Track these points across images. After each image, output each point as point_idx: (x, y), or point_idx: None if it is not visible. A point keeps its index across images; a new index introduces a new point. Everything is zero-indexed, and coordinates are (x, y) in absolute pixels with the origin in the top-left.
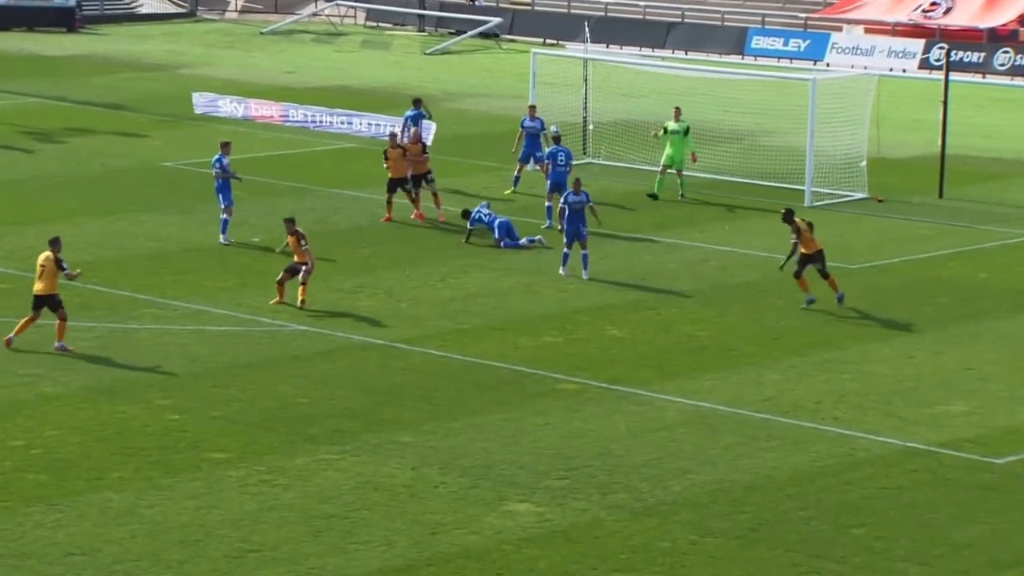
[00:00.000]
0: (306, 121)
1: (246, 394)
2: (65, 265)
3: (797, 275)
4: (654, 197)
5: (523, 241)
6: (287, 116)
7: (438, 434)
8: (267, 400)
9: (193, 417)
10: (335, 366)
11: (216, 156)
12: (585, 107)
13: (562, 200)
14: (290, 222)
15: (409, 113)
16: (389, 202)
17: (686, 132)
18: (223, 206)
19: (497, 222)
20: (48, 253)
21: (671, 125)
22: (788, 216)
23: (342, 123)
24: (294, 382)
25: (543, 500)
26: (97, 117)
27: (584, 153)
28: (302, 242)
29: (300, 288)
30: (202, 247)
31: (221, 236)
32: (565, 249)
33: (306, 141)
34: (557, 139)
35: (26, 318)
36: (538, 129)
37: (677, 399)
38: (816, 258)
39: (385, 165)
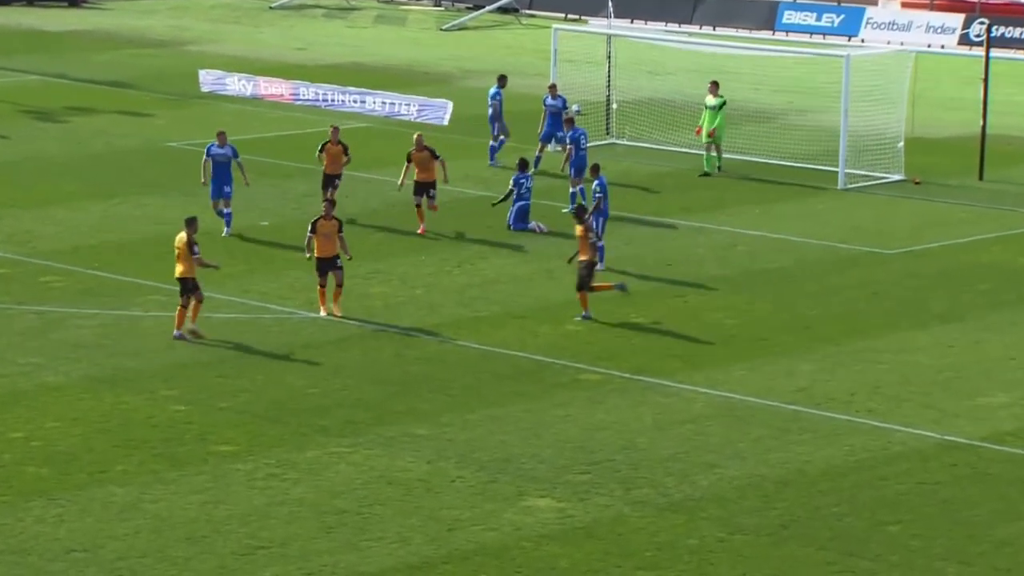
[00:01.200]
0: (317, 100)
1: (254, 384)
2: (197, 249)
3: (581, 288)
4: (707, 175)
5: (531, 225)
6: (297, 95)
7: (455, 426)
8: (276, 390)
9: (199, 408)
10: (347, 355)
11: (209, 144)
12: (608, 85)
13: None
14: (331, 204)
15: (492, 91)
16: (325, 200)
17: (721, 107)
18: (214, 198)
19: (519, 204)
20: (183, 234)
21: (709, 100)
22: (580, 213)
23: (355, 102)
24: (304, 372)
25: (564, 495)
26: (99, 95)
27: (607, 133)
28: (341, 230)
29: (337, 292)
30: (208, 231)
31: (225, 229)
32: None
33: (317, 121)
34: (571, 120)
35: (179, 306)
36: (560, 108)
37: (704, 390)
38: (587, 266)
39: (320, 160)
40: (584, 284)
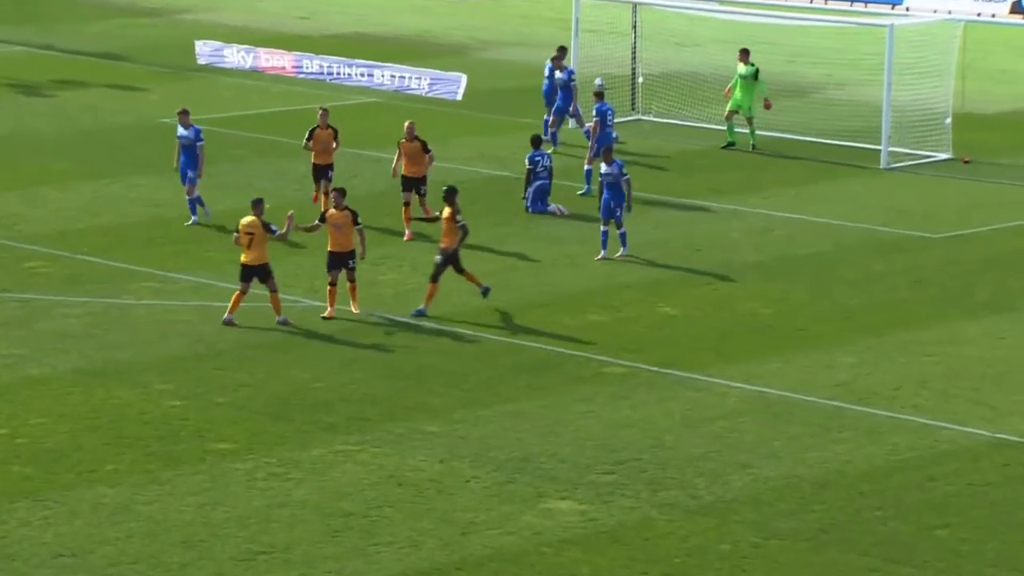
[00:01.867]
0: (321, 73)
1: (255, 378)
2: (274, 227)
3: (435, 278)
4: (731, 145)
5: (551, 207)
6: (300, 67)
7: (469, 423)
8: (278, 385)
9: (196, 403)
10: (354, 347)
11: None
12: (633, 58)
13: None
14: (339, 193)
15: (550, 64)
16: (319, 193)
17: (755, 75)
18: (183, 183)
19: (537, 184)
20: (253, 218)
21: (740, 69)
22: (450, 195)
23: (362, 75)
24: (308, 365)
25: (587, 497)
26: (89, 68)
27: (633, 109)
28: (357, 222)
29: (351, 288)
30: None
31: (193, 216)
32: (603, 228)
33: (321, 95)
34: (600, 94)
35: (236, 292)
36: (565, 80)
37: (738, 384)
38: (445, 252)
39: (307, 146)
40: (438, 274)
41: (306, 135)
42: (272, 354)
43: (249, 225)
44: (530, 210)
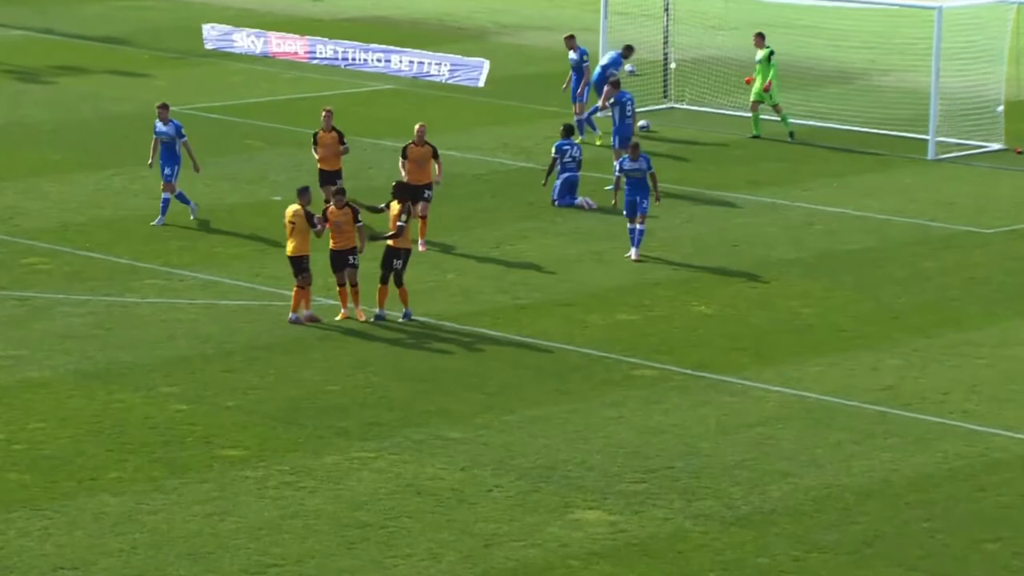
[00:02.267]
0: (336, 58)
1: (265, 381)
2: (316, 220)
3: (385, 280)
4: (755, 137)
5: (579, 200)
6: (313, 52)
7: (492, 429)
8: (289, 388)
9: (203, 407)
10: (370, 348)
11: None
12: (666, 42)
13: (617, 167)
14: (340, 193)
15: (613, 56)
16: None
17: (768, 59)
18: (163, 181)
19: (564, 176)
20: (297, 207)
21: (757, 55)
22: (400, 190)
23: (379, 61)
24: (322, 367)
25: (617, 507)
26: (90, 53)
27: (665, 97)
28: (358, 219)
29: (354, 293)
30: (212, 207)
31: (160, 217)
32: (629, 226)
33: (336, 82)
34: (617, 83)
35: (295, 287)
36: (579, 62)
37: (776, 388)
38: (403, 256)
39: (315, 154)
40: (400, 277)
41: (311, 141)
42: (282, 355)
43: (293, 215)
44: (556, 203)
